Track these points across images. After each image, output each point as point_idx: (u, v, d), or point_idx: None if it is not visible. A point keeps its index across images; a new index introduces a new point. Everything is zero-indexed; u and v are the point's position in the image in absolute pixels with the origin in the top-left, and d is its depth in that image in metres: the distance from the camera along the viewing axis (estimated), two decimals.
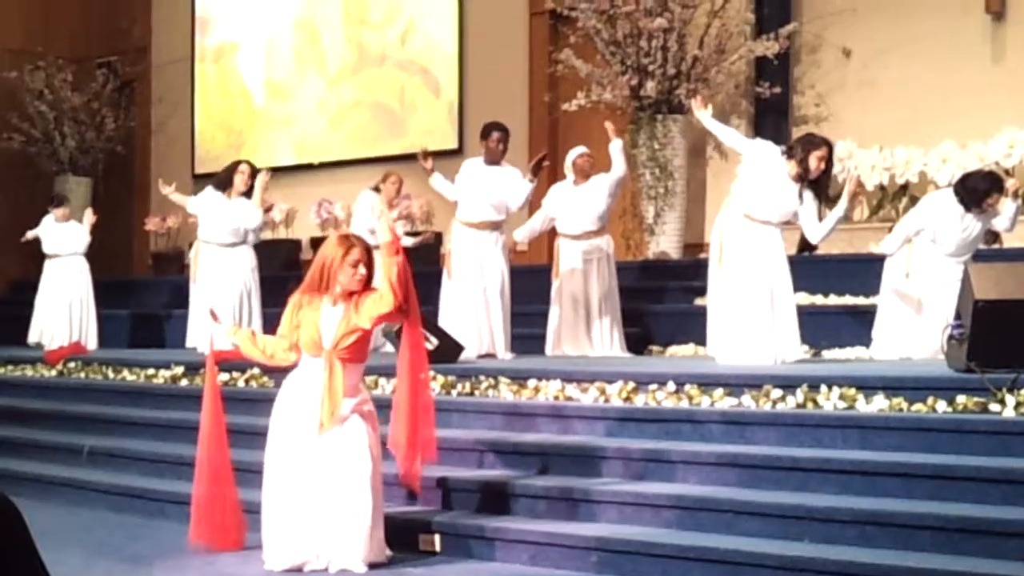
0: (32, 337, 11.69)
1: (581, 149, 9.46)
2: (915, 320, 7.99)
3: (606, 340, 9.15)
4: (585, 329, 9.17)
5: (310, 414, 5.60)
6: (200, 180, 15.14)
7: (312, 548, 5.57)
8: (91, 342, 11.51)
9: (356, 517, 5.53)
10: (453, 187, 9.30)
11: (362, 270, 5.61)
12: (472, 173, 9.16)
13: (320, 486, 5.54)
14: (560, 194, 9.43)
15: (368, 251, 5.69)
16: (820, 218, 7.73)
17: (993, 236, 9.38)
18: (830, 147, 7.68)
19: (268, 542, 5.70)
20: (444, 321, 8.92)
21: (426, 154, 9.35)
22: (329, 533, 5.54)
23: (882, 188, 10.49)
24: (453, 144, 13.09)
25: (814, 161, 7.55)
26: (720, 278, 7.87)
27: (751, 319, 7.48)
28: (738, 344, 7.51)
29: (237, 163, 10.07)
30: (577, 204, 9.28)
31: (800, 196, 7.59)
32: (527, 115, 12.57)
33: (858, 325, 8.58)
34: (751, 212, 7.64)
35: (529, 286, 9.63)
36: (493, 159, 9.11)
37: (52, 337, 11.47)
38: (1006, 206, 8.06)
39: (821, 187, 7.70)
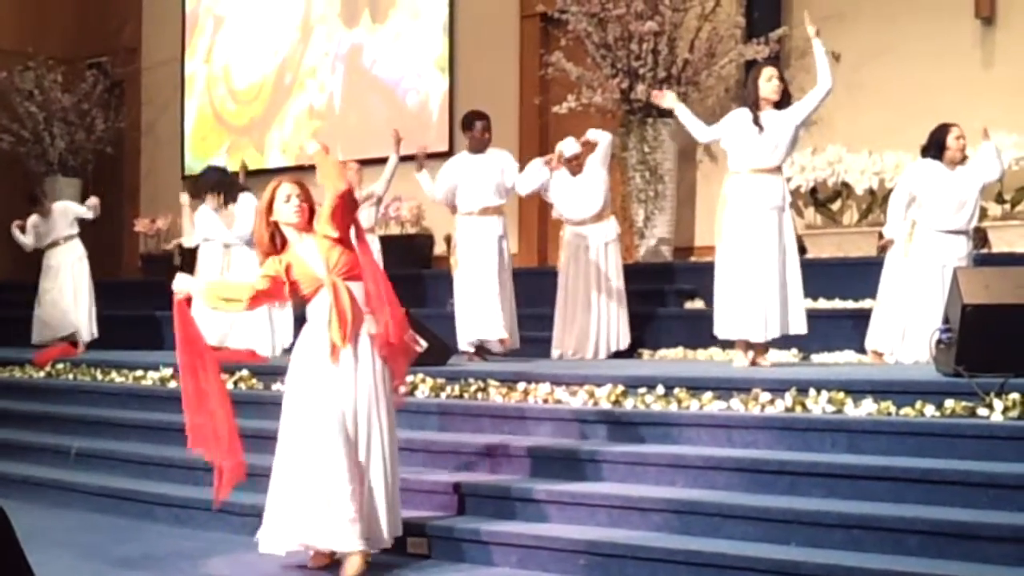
0: (37, 336, 11.52)
1: (573, 150, 9.39)
2: (911, 310, 7.92)
3: (613, 331, 9.23)
4: (593, 320, 9.23)
5: (320, 354, 5.52)
6: (189, 181, 15.14)
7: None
8: (92, 328, 11.43)
9: (379, 486, 5.48)
10: (432, 184, 9.32)
11: (296, 200, 5.53)
12: (461, 165, 9.17)
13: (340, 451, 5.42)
14: (559, 183, 9.41)
15: (300, 184, 5.63)
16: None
17: (982, 240, 9.41)
18: (771, 65, 7.79)
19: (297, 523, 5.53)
20: (460, 313, 8.97)
21: (425, 156, 9.52)
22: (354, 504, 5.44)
23: (871, 192, 10.50)
24: (444, 146, 13.07)
25: (763, 85, 7.56)
26: (725, 249, 7.65)
27: (755, 287, 7.39)
28: (741, 314, 7.45)
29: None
30: (577, 192, 9.32)
31: (757, 124, 7.51)
32: (517, 117, 12.58)
33: (848, 329, 8.60)
34: (755, 163, 7.54)
35: (529, 288, 9.65)
36: (479, 148, 9.14)
37: (51, 327, 11.37)
38: (986, 152, 8.10)
39: (790, 101, 7.68)
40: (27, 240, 11.42)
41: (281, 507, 5.55)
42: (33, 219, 11.46)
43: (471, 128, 9.18)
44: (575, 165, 9.36)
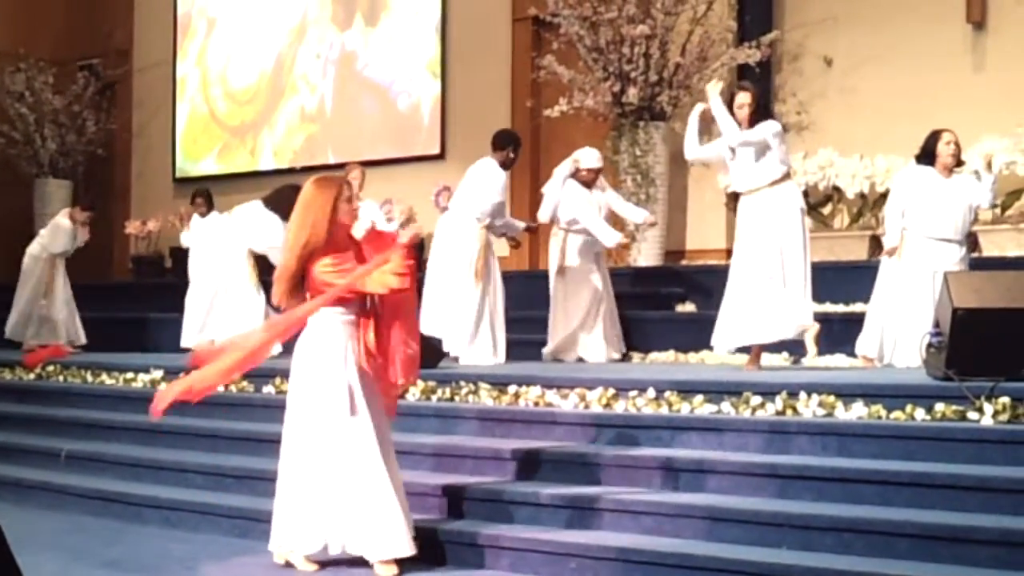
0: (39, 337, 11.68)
1: (592, 164, 9.32)
2: (902, 316, 7.92)
3: (604, 340, 9.29)
4: (599, 327, 9.30)
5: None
6: (180, 184, 15.14)
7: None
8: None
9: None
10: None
11: (350, 202, 5.56)
12: (503, 180, 9.19)
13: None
14: (572, 195, 9.33)
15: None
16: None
17: (972, 244, 9.41)
18: (746, 90, 7.72)
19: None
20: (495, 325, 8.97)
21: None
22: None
23: (862, 196, 10.52)
24: (435, 149, 13.09)
25: (736, 111, 7.57)
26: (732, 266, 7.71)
27: (746, 295, 7.42)
28: (736, 322, 7.46)
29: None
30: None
31: (740, 148, 7.55)
32: (509, 121, 12.54)
33: (838, 333, 8.59)
34: (739, 186, 7.60)
35: (518, 292, 9.67)
36: (506, 167, 9.18)
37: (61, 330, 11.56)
38: (983, 178, 8.09)
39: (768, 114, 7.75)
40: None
41: (317, 515, 5.51)
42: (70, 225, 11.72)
43: (514, 147, 9.17)
44: (591, 178, 9.33)
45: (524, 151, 12.17)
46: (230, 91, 15.24)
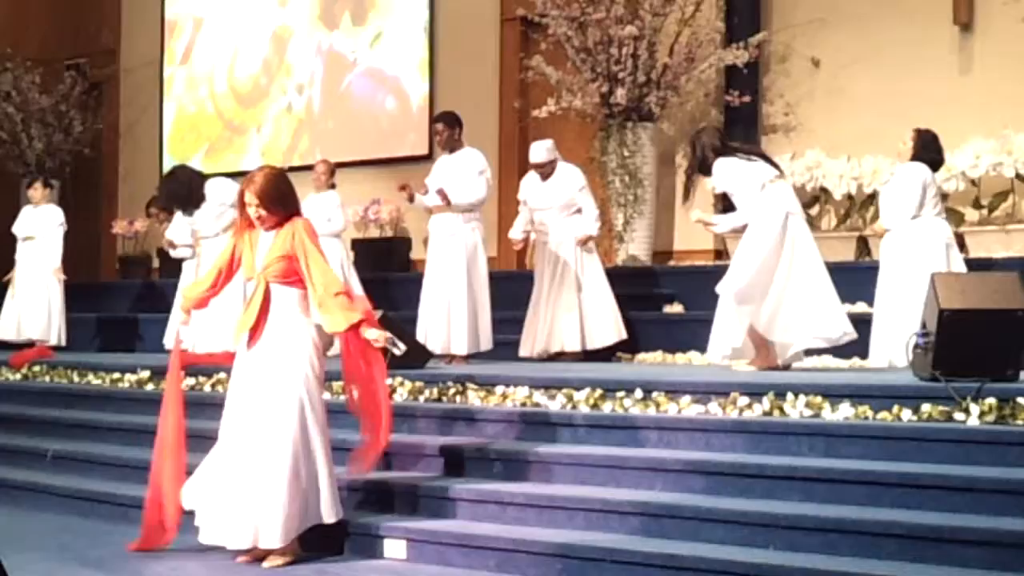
0: (4, 333, 11.50)
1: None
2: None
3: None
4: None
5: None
6: None
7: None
8: (60, 337, 11.43)
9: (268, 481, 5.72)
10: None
11: (250, 211, 5.95)
12: None
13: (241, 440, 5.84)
14: None
15: (250, 184, 6.03)
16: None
17: (960, 244, 9.42)
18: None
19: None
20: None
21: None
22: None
23: (850, 197, 10.53)
24: (423, 150, 13.06)
25: None
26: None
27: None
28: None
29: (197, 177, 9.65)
30: None
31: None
32: (497, 121, 12.58)
33: None
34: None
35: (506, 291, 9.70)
36: None
37: (20, 327, 11.40)
38: None
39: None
40: None
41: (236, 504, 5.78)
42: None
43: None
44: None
45: (512, 152, 12.26)
46: (216, 91, 15.21)
